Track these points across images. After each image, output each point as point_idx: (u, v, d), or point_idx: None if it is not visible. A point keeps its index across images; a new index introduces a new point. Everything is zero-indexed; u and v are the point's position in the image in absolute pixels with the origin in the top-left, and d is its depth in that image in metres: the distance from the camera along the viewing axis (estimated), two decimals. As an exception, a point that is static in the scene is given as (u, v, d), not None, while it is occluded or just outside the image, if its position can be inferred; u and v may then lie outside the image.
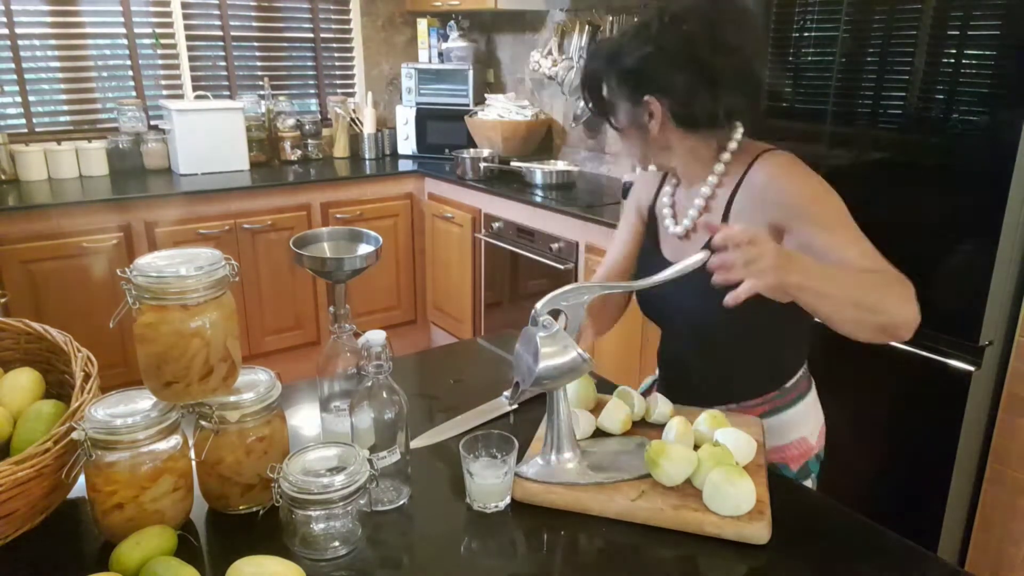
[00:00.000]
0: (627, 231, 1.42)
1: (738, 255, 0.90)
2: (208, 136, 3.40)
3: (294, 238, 1.22)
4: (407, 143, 3.98)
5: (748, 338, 1.23)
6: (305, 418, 1.30)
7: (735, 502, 0.97)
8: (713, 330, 1.25)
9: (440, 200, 3.64)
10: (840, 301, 0.99)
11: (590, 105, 1.28)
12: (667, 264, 1.12)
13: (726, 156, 1.24)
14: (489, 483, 1.03)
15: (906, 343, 1.89)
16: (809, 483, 1.32)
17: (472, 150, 3.61)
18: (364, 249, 1.24)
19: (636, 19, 1.20)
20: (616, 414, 1.19)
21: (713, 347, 1.28)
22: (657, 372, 1.47)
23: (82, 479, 0.97)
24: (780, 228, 1.15)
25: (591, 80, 1.25)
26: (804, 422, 1.31)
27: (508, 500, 1.05)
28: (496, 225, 3.29)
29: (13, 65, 3.23)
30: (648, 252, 1.36)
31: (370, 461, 0.97)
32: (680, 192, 1.32)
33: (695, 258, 1.04)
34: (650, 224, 1.37)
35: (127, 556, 0.88)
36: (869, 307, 1.01)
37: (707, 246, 0.98)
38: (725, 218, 1.21)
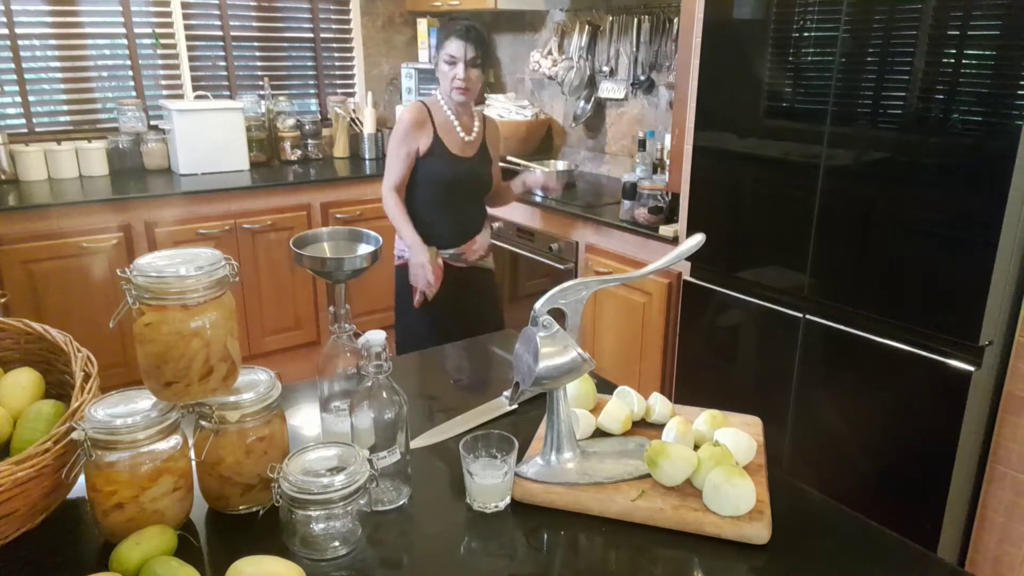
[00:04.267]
0: (407, 156, 2.42)
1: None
2: (208, 136, 3.40)
3: (294, 238, 1.22)
4: (407, 143, 3.97)
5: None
6: (305, 418, 1.30)
7: (735, 502, 0.97)
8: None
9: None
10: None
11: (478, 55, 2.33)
12: (461, 159, 2.43)
13: (480, 107, 2.45)
14: (489, 483, 1.03)
15: (906, 343, 1.89)
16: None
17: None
18: (364, 249, 1.24)
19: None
20: (616, 414, 1.19)
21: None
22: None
23: (82, 479, 0.97)
24: (494, 147, 2.56)
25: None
26: None
27: (508, 500, 1.05)
28: (496, 225, 3.29)
29: (13, 65, 3.23)
30: (439, 154, 2.39)
31: (370, 461, 0.97)
32: (458, 120, 2.41)
33: (694, 240, 1.14)
34: (436, 143, 2.38)
35: (127, 556, 0.88)
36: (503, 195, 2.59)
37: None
38: (484, 137, 2.50)
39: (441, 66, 2.32)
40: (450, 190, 2.41)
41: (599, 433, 1.19)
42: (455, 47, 2.26)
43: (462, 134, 2.39)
